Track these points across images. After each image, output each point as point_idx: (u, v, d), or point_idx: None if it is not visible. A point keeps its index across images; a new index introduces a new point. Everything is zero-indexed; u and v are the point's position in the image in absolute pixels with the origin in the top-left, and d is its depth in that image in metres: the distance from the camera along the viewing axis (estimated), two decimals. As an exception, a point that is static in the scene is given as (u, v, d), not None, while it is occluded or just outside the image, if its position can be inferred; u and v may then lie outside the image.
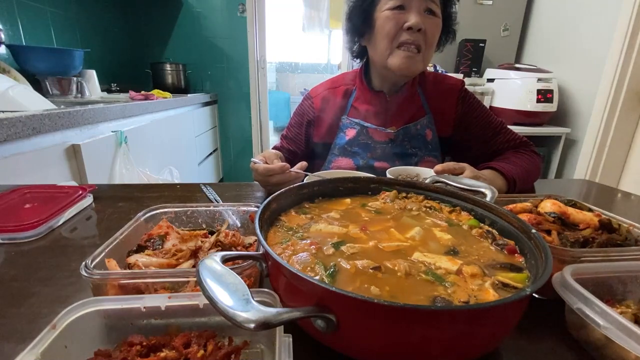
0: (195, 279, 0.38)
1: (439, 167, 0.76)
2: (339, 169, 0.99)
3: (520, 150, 0.97)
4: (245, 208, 0.56)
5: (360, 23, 0.92)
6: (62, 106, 1.29)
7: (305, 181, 0.77)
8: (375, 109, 0.98)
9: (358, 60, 1.04)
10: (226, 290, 0.27)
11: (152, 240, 0.49)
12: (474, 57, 2.47)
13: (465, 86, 1.02)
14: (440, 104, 0.99)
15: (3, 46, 1.56)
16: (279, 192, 0.49)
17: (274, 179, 0.79)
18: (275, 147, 1.06)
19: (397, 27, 0.85)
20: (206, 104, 2.82)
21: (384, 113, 0.98)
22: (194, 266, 0.44)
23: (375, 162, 0.98)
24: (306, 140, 1.07)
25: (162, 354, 0.31)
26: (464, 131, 1.00)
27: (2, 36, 1.53)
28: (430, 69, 2.32)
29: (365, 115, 0.99)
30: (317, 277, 0.35)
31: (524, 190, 0.85)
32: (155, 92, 2.12)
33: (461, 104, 0.99)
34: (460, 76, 2.36)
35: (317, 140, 1.04)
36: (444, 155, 1.06)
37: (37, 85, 1.65)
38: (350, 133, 0.99)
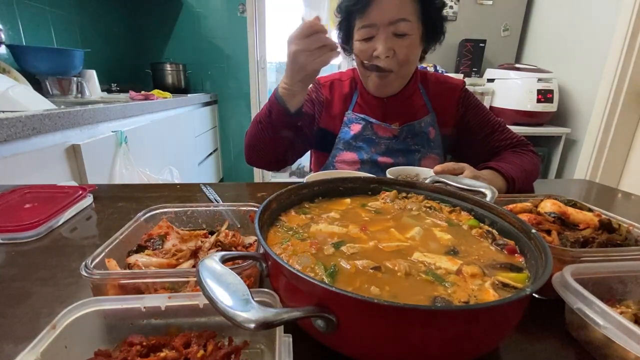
0: (195, 279, 0.38)
1: (438, 167, 0.76)
2: (344, 162, 1.01)
3: (518, 150, 0.98)
4: (245, 208, 0.56)
5: (347, 45, 0.96)
6: (62, 106, 1.29)
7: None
8: (375, 109, 1.00)
9: None
10: (226, 290, 0.27)
11: (152, 240, 0.49)
12: (474, 57, 2.47)
13: (466, 86, 1.04)
14: (442, 103, 1.01)
15: (3, 46, 1.56)
16: (278, 192, 0.49)
17: (316, 37, 0.72)
18: None
19: (368, 56, 0.88)
20: (206, 104, 2.82)
21: (384, 112, 1.00)
22: (194, 266, 0.44)
23: (379, 157, 0.99)
24: (314, 120, 1.05)
25: (162, 354, 0.31)
26: (464, 129, 1.02)
27: (2, 36, 1.54)
28: (430, 69, 2.32)
29: (367, 113, 1.01)
30: (317, 277, 0.35)
31: (524, 190, 0.86)
32: (155, 92, 2.12)
33: (462, 103, 1.01)
34: (460, 76, 2.36)
35: (322, 126, 1.04)
36: (446, 153, 1.07)
37: (37, 85, 1.65)
38: (355, 128, 1.00)
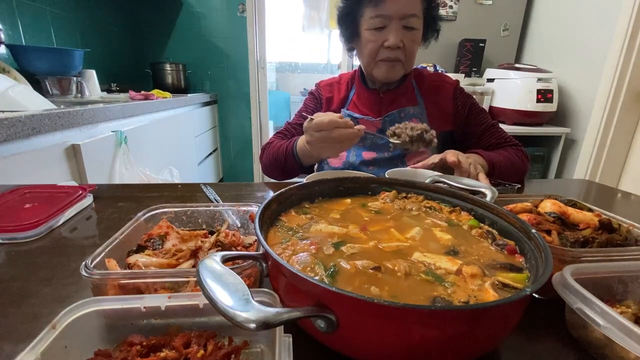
0: (195, 279, 0.38)
1: (419, 165, 0.84)
2: (335, 158, 1.06)
3: (508, 149, 1.02)
4: (245, 208, 0.56)
5: (348, 33, 1.00)
6: (62, 106, 1.29)
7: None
8: (371, 105, 1.05)
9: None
10: (226, 290, 0.27)
11: (152, 240, 0.49)
12: (474, 57, 2.47)
13: (465, 86, 1.06)
14: (435, 99, 1.04)
15: (3, 46, 1.56)
16: (278, 192, 0.49)
17: (336, 133, 0.76)
18: (281, 132, 1.12)
19: (378, 46, 0.93)
20: (206, 104, 2.82)
21: (379, 108, 1.04)
22: (194, 266, 0.44)
23: (364, 152, 1.03)
24: None
25: (162, 354, 0.31)
26: (457, 128, 1.05)
27: (2, 36, 1.53)
28: (430, 68, 2.32)
29: (362, 110, 1.06)
30: (317, 277, 0.35)
31: (509, 179, 0.89)
32: (155, 92, 2.12)
33: (456, 101, 1.05)
34: (460, 76, 2.37)
35: None
36: (440, 151, 1.09)
37: (37, 85, 1.64)
38: None
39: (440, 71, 2.31)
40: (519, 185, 0.88)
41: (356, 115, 1.04)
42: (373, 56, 0.95)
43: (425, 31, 0.97)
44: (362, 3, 0.92)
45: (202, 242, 0.49)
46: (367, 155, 1.02)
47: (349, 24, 0.98)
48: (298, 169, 0.98)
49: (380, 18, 0.89)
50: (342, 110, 1.07)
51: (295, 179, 1.04)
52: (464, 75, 2.44)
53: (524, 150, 1.03)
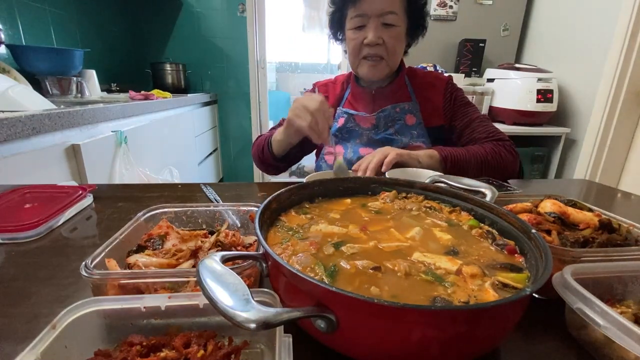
0: (195, 279, 0.38)
1: (369, 172, 0.82)
2: (330, 154, 1.09)
3: (487, 144, 0.97)
4: (245, 208, 0.56)
5: (337, 35, 1.06)
6: (62, 106, 1.29)
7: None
8: (364, 102, 1.07)
9: None
10: (226, 290, 0.27)
11: (152, 240, 0.49)
12: (474, 57, 2.47)
13: (465, 86, 1.07)
14: (428, 95, 1.06)
15: (3, 46, 1.56)
16: (278, 192, 0.49)
17: (312, 111, 0.79)
18: (275, 128, 1.13)
19: (359, 44, 0.96)
20: (206, 103, 2.82)
21: (372, 105, 1.06)
22: (194, 266, 0.44)
23: (361, 148, 1.05)
24: None
25: (162, 354, 0.31)
26: (448, 121, 1.06)
27: (2, 36, 1.53)
28: (430, 68, 2.32)
29: (356, 107, 1.08)
30: (317, 277, 0.35)
31: (492, 177, 0.89)
32: (155, 92, 2.12)
33: (448, 96, 1.06)
34: (460, 76, 2.37)
35: None
36: (434, 145, 1.09)
37: (37, 85, 1.64)
38: (340, 121, 1.08)
39: (440, 71, 2.31)
40: (517, 190, 0.85)
41: (351, 111, 1.06)
42: (356, 54, 0.98)
43: (410, 28, 0.99)
44: (345, 5, 0.96)
45: (202, 242, 0.49)
46: (364, 151, 1.03)
47: (337, 26, 1.03)
48: (270, 158, 1.00)
49: (360, 17, 0.93)
50: (338, 108, 1.10)
51: (295, 179, 1.04)
52: (464, 75, 2.44)
53: (509, 145, 0.97)
